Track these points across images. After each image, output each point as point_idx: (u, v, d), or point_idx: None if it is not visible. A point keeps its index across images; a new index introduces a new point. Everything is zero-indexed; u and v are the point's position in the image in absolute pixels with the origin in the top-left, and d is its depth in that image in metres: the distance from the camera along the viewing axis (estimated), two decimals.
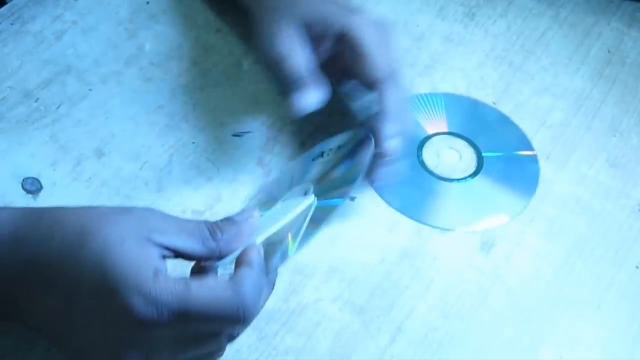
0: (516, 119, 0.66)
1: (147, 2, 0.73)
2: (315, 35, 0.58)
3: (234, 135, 0.63)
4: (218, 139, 0.63)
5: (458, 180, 0.62)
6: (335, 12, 0.58)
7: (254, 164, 0.62)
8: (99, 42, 0.69)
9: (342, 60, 0.59)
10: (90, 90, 0.65)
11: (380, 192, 0.60)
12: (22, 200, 0.58)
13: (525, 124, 0.66)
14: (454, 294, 0.56)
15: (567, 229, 0.59)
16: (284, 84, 0.57)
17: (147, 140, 0.62)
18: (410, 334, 0.53)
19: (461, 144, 0.64)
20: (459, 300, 0.55)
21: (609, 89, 0.69)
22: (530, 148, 0.64)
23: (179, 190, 0.60)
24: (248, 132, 0.64)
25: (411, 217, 0.59)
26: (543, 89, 0.69)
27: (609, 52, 0.72)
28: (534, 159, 0.63)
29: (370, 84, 0.57)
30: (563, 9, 0.76)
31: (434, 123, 0.65)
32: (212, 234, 0.47)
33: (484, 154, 0.63)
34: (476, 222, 0.59)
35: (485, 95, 0.68)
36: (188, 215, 0.58)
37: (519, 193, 0.61)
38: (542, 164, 0.63)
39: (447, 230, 0.59)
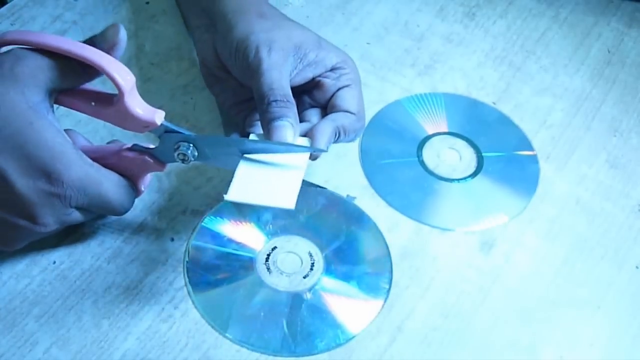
0: (516, 119, 0.66)
1: (147, 2, 0.73)
2: (305, 63, 0.57)
3: None
4: None
5: (458, 180, 0.62)
6: (329, 48, 0.58)
7: None
8: None
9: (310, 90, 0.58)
10: None
11: (380, 192, 0.60)
12: None
13: (525, 124, 0.66)
14: (454, 294, 0.56)
15: (567, 229, 0.59)
16: (261, 95, 0.54)
17: (147, 140, 0.62)
18: (410, 334, 0.53)
19: (461, 144, 0.64)
20: (459, 300, 0.55)
21: (609, 89, 0.69)
22: (530, 148, 0.64)
23: (179, 190, 0.60)
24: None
25: (411, 217, 0.59)
26: (543, 89, 0.69)
27: (609, 52, 0.72)
28: (534, 159, 0.63)
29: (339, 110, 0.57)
30: (563, 9, 0.76)
31: (434, 123, 0.65)
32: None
33: (484, 154, 0.63)
34: (476, 222, 0.59)
35: (485, 95, 0.68)
36: (188, 216, 0.58)
37: (519, 193, 0.61)
38: (542, 164, 0.63)
39: (447, 230, 0.59)
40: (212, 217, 0.58)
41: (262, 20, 0.58)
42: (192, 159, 0.52)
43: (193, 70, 0.68)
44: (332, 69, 0.57)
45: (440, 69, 0.70)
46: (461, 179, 0.62)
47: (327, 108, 0.57)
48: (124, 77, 0.50)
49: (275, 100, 0.53)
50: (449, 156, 0.63)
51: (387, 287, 0.55)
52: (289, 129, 0.52)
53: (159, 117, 0.51)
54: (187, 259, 0.56)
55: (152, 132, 0.52)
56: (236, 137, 0.55)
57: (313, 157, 0.54)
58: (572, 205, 0.61)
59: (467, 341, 0.53)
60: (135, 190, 0.54)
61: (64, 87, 0.51)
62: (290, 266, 0.56)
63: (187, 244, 0.56)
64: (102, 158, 0.52)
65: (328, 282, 0.55)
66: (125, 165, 0.53)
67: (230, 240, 0.57)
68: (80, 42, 0.50)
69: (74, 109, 0.53)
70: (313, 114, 0.57)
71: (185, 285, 0.54)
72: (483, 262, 0.57)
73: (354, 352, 0.52)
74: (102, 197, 0.51)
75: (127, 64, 0.67)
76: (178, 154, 0.52)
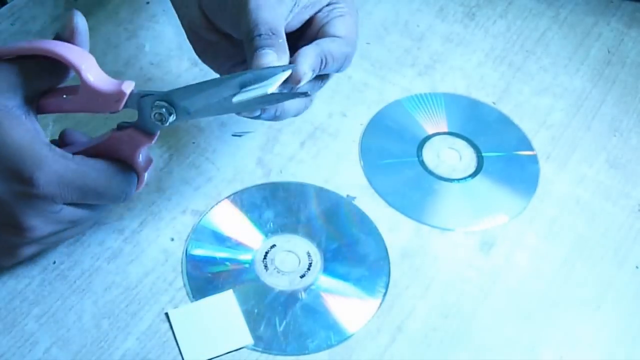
0: (516, 119, 0.66)
1: (147, 2, 0.73)
2: (302, 4, 0.53)
3: (233, 135, 0.63)
4: (218, 139, 0.63)
5: (458, 180, 0.62)
6: None
7: (254, 164, 0.62)
8: (99, 42, 0.69)
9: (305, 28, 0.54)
10: None
11: (380, 192, 0.60)
12: None
13: (525, 124, 0.66)
14: (454, 294, 0.55)
15: (567, 229, 0.59)
16: (244, 32, 0.51)
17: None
18: (410, 334, 0.53)
19: (461, 144, 0.64)
20: (459, 300, 0.55)
21: (609, 89, 0.69)
22: (530, 148, 0.64)
23: (179, 190, 0.60)
24: (248, 132, 0.64)
25: (411, 217, 0.59)
26: (543, 89, 0.69)
27: (608, 52, 0.72)
28: (534, 159, 0.63)
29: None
30: (563, 9, 0.76)
31: (434, 123, 0.65)
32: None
33: (484, 154, 0.63)
34: (476, 222, 0.59)
35: (485, 95, 0.68)
36: (188, 216, 0.58)
37: (519, 193, 0.61)
38: (542, 164, 0.63)
39: (447, 230, 0.59)
40: (211, 215, 0.58)
41: None
42: (171, 118, 0.49)
43: (193, 70, 0.68)
44: (328, 4, 0.54)
45: (440, 69, 0.70)
46: (461, 179, 0.62)
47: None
48: (79, 57, 0.48)
49: (260, 35, 0.50)
50: (449, 156, 0.63)
51: (384, 286, 0.55)
52: (271, 56, 0.49)
53: (127, 86, 0.49)
54: (185, 257, 0.56)
55: (130, 107, 0.50)
56: (211, 80, 0.49)
57: (303, 93, 0.50)
58: (572, 205, 0.61)
59: (467, 341, 0.53)
60: (133, 172, 0.52)
61: (41, 88, 0.50)
62: (288, 265, 0.56)
63: (186, 243, 0.56)
64: (93, 148, 0.51)
65: (325, 281, 0.55)
66: (116, 147, 0.51)
67: (229, 238, 0.57)
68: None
69: (58, 111, 0.52)
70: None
71: (184, 285, 0.54)
72: (483, 262, 0.57)
73: (354, 352, 0.52)
74: (92, 187, 0.49)
75: (127, 63, 0.67)
76: (154, 115, 0.49)
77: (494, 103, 0.67)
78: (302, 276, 0.55)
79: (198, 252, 0.56)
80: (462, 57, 0.71)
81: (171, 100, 0.49)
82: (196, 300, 0.54)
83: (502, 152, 0.64)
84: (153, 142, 0.51)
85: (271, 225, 0.58)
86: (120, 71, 0.67)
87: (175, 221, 0.58)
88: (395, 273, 0.56)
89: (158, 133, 0.51)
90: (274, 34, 0.50)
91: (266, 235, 0.57)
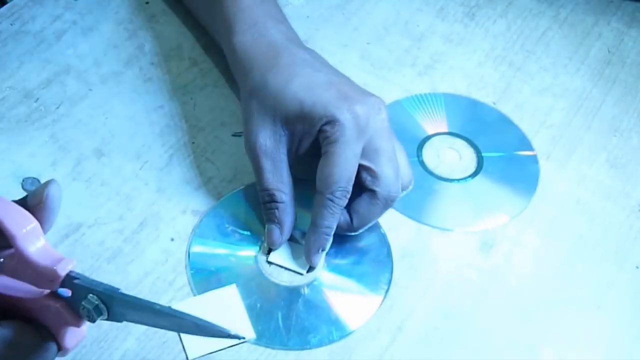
0: (516, 119, 0.66)
1: (147, 2, 0.73)
2: (298, 134, 0.55)
3: (233, 135, 0.63)
4: (218, 139, 0.63)
5: (458, 180, 0.62)
6: (319, 106, 0.54)
7: None
8: (99, 42, 0.69)
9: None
10: (90, 90, 0.65)
11: None
12: None
13: (525, 124, 0.66)
14: (454, 294, 0.55)
15: (567, 229, 0.59)
16: (258, 192, 0.56)
17: (147, 140, 0.62)
18: (410, 334, 0.53)
19: (461, 144, 0.64)
20: (459, 300, 0.55)
21: (609, 89, 0.69)
22: (530, 148, 0.64)
23: (179, 190, 0.60)
24: None
25: (411, 217, 0.59)
26: (543, 89, 0.69)
27: (609, 52, 0.72)
28: (534, 159, 0.63)
29: (317, 189, 0.54)
30: (563, 9, 0.76)
31: (434, 123, 0.65)
32: None
33: (483, 154, 0.63)
34: (476, 222, 0.59)
35: (485, 95, 0.68)
36: (188, 216, 0.58)
37: (519, 193, 0.61)
38: (542, 164, 0.63)
39: (447, 230, 0.59)
40: (214, 211, 0.58)
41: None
42: (100, 318, 0.42)
43: (193, 70, 0.68)
44: (320, 133, 0.54)
45: (440, 69, 0.70)
46: (461, 179, 0.62)
47: None
48: (20, 223, 0.42)
49: (264, 202, 0.56)
50: (449, 156, 0.63)
51: (387, 283, 0.55)
52: (275, 232, 0.55)
53: (63, 267, 0.41)
54: (188, 253, 0.56)
55: (67, 288, 0.42)
56: (160, 306, 0.42)
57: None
58: (572, 205, 0.61)
59: (467, 341, 0.53)
60: (51, 344, 0.43)
61: None
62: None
63: (189, 238, 0.56)
64: (18, 301, 0.43)
65: (328, 277, 0.55)
66: (42, 314, 0.43)
67: (233, 233, 0.57)
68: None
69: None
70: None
71: (188, 281, 0.54)
72: (483, 262, 0.57)
73: (354, 352, 0.52)
74: None
75: (127, 64, 0.67)
76: (82, 309, 0.42)
77: (494, 103, 0.67)
78: (305, 272, 0.55)
79: (200, 248, 0.56)
80: (462, 57, 0.71)
81: (107, 301, 0.42)
82: (200, 294, 0.54)
83: (502, 152, 0.64)
84: (80, 326, 0.44)
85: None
86: (121, 71, 0.67)
87: (175, 221, 0.58)
88: (396, 272, 0.56)
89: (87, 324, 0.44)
90: (273, 200, 0.55)
91: None
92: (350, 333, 0.53)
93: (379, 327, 0.53)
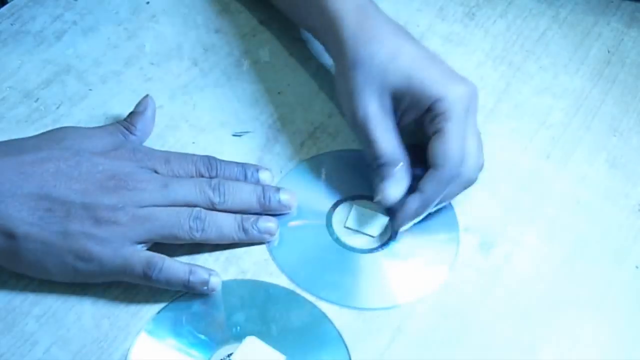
0: (516, 119, 0.66)
1: (147, 2, 0.73)
2: (403, 107, 0.57)
3: (234, 135, 0.63)
4: (218, 139, 0.63)
5: (375, 249, 0.57)
6: (428, 83, 0.56)
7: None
8: (99, 42, 0.69)
9: (423, 126, 0.58)
10: (90, 90, 0.65)
11: (302, 283, 0.55)
12: None
13: (525, 124, 0.66)
14: (454, 294, 0.55)
15: (567, 229, 0.59)
16: (369, 161, 0.57)
17: (147, 140, 0.62)
18: (410, 334, 0.53)
19: (370, 206, 0.59)
20: (459, 300, 0.55)
21: (609, 89, 0.69)
22: None
23: None
24: (248, 132, 0.64)
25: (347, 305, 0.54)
26: (543, 89, 0.69)
27: (608, 52, 0.72)
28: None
29: (430, 164, 0.56)
30: (563, 9, 0.76)
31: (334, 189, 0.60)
32: (128, 128, 0.58)
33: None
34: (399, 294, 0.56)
35: (485, 95, 0.68)
36: None
37: (443, 234, 0.58)
38: (542, 163, 0.63)
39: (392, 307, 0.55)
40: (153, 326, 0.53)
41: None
42: None
43: (193, 70, 0.68)
44: (428, 111, 0.56)
45: None
46: (378, 248, 0.58)
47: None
48: None
49: (381, 165, 0.56)
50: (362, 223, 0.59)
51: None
52: (392, 190, 0.56)
53: None
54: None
55: None
56: None
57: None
58: (572, 205, 0.61)
59: (467, 341, 0.53)
60: None
61: None
62: None
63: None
64: None
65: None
66: None
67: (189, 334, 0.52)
68: None
69: None
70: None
71: None
72: (483, 262, 0.57)
73: (354, 352, 0.52)
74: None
75: (127, 63, 0.67)
76: None
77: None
78: None
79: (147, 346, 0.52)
80: (462, 57, 0.71)
81: None
82: None
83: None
84: None
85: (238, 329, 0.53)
86: (120, 71, 0.67)
87: None
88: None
89: None
90: (393, 162, 0.56)
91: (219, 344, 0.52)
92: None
93: (378, 327, 0.53)
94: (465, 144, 0.55)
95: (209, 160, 0.58)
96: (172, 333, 0.52)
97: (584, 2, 0.76)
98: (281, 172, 0.61)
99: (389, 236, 0.58)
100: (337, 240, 0.57)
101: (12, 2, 0.71)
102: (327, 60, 0.69)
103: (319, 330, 0.53)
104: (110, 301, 0.54)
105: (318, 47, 0.68)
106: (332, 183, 0.60)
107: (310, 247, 0.57)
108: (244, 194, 0.56)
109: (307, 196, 0.59)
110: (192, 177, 0.57)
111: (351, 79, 0.58)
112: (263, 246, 0.57)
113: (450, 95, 0.56)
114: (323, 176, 0.61)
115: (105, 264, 0.52)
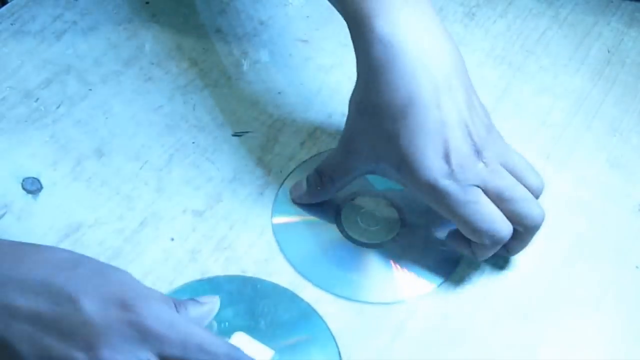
0: (516, 119, 0.66)
1: (147, 2, 0.73)
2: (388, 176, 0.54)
3: (234, 135, 0.64)
4: (218, 139, 0.63)
5: (380, 243, 0.58)
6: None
7: (254, 164, 0.62)
8: (99, 42, 0.69)
9: None
10: (90, 90, 0.65)
11: (304, 275, 0.56)
12: (22, 200, 0.58)
13: (525, 124, 0.66)
14: (454, 294, 0.55)
15: (567, 229, 0.59)
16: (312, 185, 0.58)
17: (147, 140, 0.62)
18: (410, 334, 0.53)
19: (377, 201, 0.60)
20: (459, 300, 0.55)
21: (609, 89, 0.69)
22: None
23: (179, 190, 0.60)
24: (248, 132, 0.64)
25: (341, 295, 0.55)
26: (543, 89, 0.69)
27: (608, 52, 0.72)
28: None
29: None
30: (563, 9, 0.76)
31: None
32: (177, 307, 0.46)
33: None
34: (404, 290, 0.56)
35: (485, 95, 0.68)
36: (188, 216, 0.58)
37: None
38: (543, 163, 0.63)
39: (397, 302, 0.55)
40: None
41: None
42: None
43: (193, 70, 0.68)
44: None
45: None
46: (382, 243, 0.58)
47: None
48: None
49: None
50: (369, 219, 0.59)
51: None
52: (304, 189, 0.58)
53: None
54: None
55: None
56: None
57: None
58: (572, 205, 0.61)
59: (467, 341, 0.53)
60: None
61: None
62: None
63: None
64: None
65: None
66: None
67: None
68: None
69: None
70: None
71: None
72: (483, 262, 0.57)
73: (354, 352, 0.52)
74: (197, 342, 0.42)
75: (127, 64, 0.67)
76: None
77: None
78: None
79: None
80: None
81: None
82: None
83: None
84: None
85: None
86: (120, 71, 0.67)
87: (175, 221, 0.58)
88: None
89: None
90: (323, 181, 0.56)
91: None
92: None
93: (379, 328, 0.53)
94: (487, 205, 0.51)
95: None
96: None
97: (584, 2, 0.76)
98: (281, 171, 0.61)
99: (396, 232, 0.58)
100: (346, 235, 0.58)
101: (12, 2, 0.71)
102: (327, 60, 0.69)
103: (307, 324, 0.53)
104: None
105: (318, 47, 0.68)
106: None
107: (318, 243, 0.58)
108: None
109: None
110: None
111: (356, 118, 0.54)
112: (263, 246, 0.57)
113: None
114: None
115: None
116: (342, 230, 0.58)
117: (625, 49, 0.72)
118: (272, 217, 0.59)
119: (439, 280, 0.56)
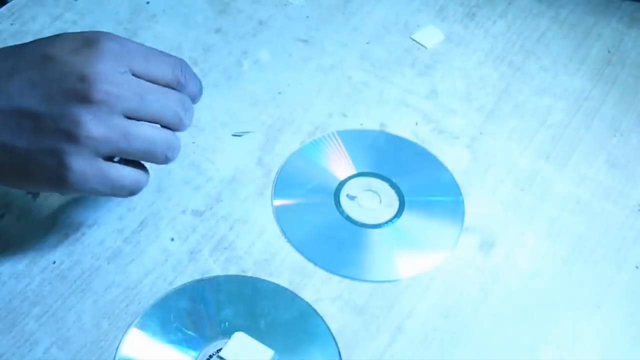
0: (516, 119, 0.66)
1: (147, 2, 0.73)
2: None
3: (234, 135, 0.64)
4: (218, 139, 0.63)
5: (385, 223, 0.59)
6: None
7: (254, 164, 0.62)
8: None
9: None
10: None
11: (309, 257, 0.57)
12: (22, 200, 0.58)
13: (525, 124, 0.66)
14: (454, 294, 0.56)
15: (567, 229, 0.59)
16: None
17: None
18: (410, 334, 0.53)
19: (377, 183, 0.61)
20: (459, 300, 0.55)
21: (609, 89, 0.69)
22: (444, 168, 0.62)
23: (179, 190, 0.60)
24: (248, 132, 0.64)
25: (343, 275, 0.56)
26: (543, 89, 0.69)
27: (609, 52, 0.72)
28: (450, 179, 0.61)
29: None
30: (563, 9, 0.76)
31: (342, 166, 0.62)
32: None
33: (400, 187, 0.61)
34: (412, 264, 0.57)
35: (485, 95, 0.68)
36: (188, 216, 0.58)
37: (447, 223, 0.59)
38: (542, 164, 0.63)
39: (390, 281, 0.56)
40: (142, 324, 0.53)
41: None
42: None
43: (193, 70, 0.67)
44: None
45: (440, 69, 0.70)
46: (387, 222, 0.59)
47: None
48: None
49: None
50: (369, 200, 0.60)
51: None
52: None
53: None
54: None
55: None
56: None
57: None
58: (572, 205, 0.61)
59: (467, 341, 0.53)
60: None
61: None
62: None
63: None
64: None
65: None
66: None
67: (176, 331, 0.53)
68: None
69: None
70: None
71: None
72: (483, 262, 0.57)
73: (354, 352, 0.52)
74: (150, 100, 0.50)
75: None
76: None
77: (381, 125, 0.67)
78: None
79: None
80: (462, 57, 0.71)
81: None
82: None
83: (418, 174, 0.61)
84: None
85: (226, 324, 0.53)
86: None
87: (175, 221, 0.58)
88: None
89: None
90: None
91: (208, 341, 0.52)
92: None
93: (378, 327, 0.53)
94: None
95: (181, 66, 0.54)
96: (161, 329, 0.52)
97: (584, 2, 0.76)
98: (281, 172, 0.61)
99: (395, 212, 0.59)
100: (346, 216, 0.59)
101: (12, 2, 0.71)
102: (327, 60, 0.69)
103: (307, 324, 0.53)
104: (110, 301, 0.54)
105: (318, 47, 0.68)
106: (339, 160, 0.62)
107: (319, 223, 0.58)
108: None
109: (314, 174, 0.61)
110: (166, 83, 0.52)
111: None
112: (263, 246, 0.57)
113: None
114: (329, 154, 0.62)
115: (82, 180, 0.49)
116: (341, 212, 0.59)
117: (625, 49, 0.72)
118: (272, 199, 0.60)
119: (439, 258, 0.57)
